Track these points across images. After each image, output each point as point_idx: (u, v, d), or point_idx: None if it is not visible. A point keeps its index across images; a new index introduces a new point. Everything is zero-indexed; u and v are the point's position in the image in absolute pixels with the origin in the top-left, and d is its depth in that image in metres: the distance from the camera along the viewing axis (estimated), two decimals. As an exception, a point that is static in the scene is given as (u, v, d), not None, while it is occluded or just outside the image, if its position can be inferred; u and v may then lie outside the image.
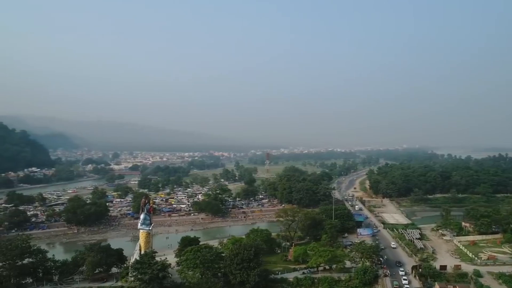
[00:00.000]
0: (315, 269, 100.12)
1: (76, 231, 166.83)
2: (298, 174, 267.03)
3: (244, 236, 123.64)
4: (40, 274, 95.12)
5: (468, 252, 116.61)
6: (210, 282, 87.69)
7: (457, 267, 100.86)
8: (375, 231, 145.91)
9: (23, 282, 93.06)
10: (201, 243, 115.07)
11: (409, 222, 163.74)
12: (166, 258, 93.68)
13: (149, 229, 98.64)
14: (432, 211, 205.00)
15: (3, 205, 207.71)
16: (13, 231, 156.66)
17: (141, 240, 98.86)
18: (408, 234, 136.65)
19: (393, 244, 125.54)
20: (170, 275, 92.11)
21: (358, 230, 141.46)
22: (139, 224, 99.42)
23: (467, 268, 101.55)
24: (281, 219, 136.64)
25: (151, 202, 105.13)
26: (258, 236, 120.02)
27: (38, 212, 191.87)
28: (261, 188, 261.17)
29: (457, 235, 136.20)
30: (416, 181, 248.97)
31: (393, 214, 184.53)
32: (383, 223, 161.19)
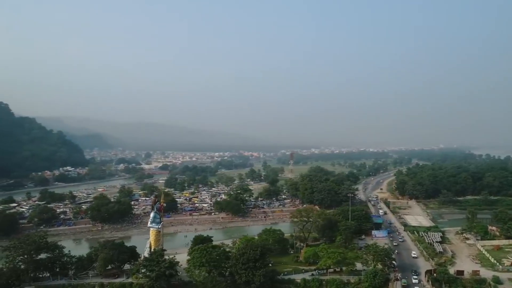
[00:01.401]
0: (325, 271, 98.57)
1: (100, 228, 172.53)
2: (321, 174, 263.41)
3: (256, 236, 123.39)
4: (57, 269, 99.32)
5: (490, 257, 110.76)
6: (215, 281, 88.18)
7: (475, 272, 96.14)
8: (400, 240, 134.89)
9: (40, 276, 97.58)
10: (217, 243, 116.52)
11: (432, 224, 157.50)
12: (174, 256, 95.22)
13: (158, 227, 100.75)
14: (461, 213, 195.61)
15: (36, 202, 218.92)
16: (42, 227, 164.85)
17: (151, 238, 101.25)
18: (428, 237, 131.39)
19: (414, 253, 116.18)
20: (179, 273, 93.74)
21: (373, 232, 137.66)
22: (149, 222, 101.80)
23: (487, 274, 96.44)
24: (295, 219, 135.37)
25: (161, 201, 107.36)
26: (270, 236, 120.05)
27: (67, 210, 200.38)
28: (284, 188, 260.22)
29: (481, 239, 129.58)
30: (446, 182, 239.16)
31: (417, 216, 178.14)
32: (405, 225, 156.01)
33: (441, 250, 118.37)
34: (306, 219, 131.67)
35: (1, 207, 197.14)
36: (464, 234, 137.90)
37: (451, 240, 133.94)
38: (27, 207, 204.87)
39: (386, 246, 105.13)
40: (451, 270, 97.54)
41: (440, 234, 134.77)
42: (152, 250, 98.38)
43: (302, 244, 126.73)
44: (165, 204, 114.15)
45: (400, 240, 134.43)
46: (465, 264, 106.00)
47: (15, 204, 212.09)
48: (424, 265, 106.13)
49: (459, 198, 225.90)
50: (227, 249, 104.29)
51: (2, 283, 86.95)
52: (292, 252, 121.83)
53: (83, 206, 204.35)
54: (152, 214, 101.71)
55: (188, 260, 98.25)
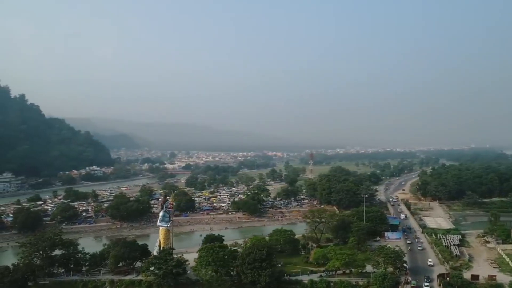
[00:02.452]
0: (334, 272, 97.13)
1: (119, 226, 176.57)
2: (340, 175, 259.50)
3: (267, 236, 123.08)
4: (71, 265, 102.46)
5: (510, 262, 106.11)
6: (221, 280, 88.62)
7: (491, 277, 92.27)
8: (419, 248, 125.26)
9: (55, 271, 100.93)
10: (230, 242, 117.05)
11: (452, 227, 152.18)
12: (182, 255, 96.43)
13: (167, 226, 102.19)
14: (486, 216, 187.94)
15: (61, 200, 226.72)
16: (64, 224, 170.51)
17: (161, 237, 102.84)
18: (446, 239, 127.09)
19: (430, 261, 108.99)
20: (187, 272, 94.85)
21: (386, 233, 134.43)
22: (158, 221, 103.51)
23: (504, 279, 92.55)
24: (308, 220, 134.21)
25: (170, 200, 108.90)
26: (281, 236, 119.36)
27: (89, 208, 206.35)
28: (303, 188, 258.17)
29: (502, 243, 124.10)
30: (471, 183, 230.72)
31: (437, 218, 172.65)
32: (423, 227, 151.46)
33: (458, 253, 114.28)
34: (318, 219, 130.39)
35: (27, 204, 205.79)
36: (484, 237, 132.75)
37: (470, 243, 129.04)
38: (52, 205, 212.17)
39: (397, 248, 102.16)
40: (467, 275, 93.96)
41: (459, 236, 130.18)
42: (161, 248, 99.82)
43: (314, 244, 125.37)
44: (174, 203, 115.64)
45: (419, 248, 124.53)
46: (482, 268, 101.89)
47: (41, 202, 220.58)
48: (439, 270, 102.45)
49: (484, 200, 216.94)
50: (238, 249, 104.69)
51: (18, 278, 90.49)
52: (303, 253, 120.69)
53: (104, 205, 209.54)
54: (161, 213, 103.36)
55: (195, 259, 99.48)
